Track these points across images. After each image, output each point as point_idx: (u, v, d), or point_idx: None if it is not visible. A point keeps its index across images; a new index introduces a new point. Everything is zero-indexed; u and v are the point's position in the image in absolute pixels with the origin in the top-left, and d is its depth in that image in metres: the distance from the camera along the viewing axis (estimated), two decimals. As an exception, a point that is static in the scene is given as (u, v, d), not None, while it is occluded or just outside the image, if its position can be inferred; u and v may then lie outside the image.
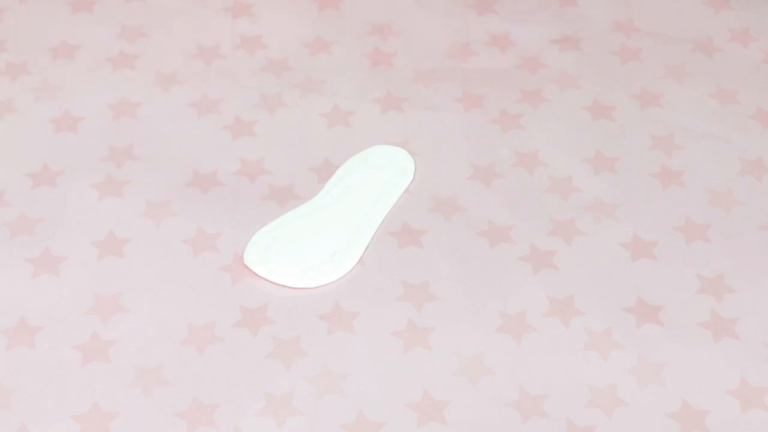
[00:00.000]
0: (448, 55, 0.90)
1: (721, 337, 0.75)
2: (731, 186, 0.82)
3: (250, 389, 0.72)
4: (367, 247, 0.78)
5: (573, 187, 0.82)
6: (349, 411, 0.71)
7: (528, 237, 0.79)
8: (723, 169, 0.83)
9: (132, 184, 0.81)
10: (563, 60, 0.89)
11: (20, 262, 0.77)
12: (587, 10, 0.92)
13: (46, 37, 0.88)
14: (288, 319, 0.75)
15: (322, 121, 0.85)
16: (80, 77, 0.84)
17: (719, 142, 0.85)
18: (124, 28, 0.91)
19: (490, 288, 0.77)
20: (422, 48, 0.90)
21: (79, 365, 0.73)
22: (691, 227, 0.80)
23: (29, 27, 0.89)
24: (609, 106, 0.86)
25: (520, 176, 0.82)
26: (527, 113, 0.86)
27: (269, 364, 0.73)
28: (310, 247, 0.78)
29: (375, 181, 0.81)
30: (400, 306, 0.76)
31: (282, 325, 0.75)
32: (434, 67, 0.89)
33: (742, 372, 0.73)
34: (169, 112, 0.85)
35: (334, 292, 0.76)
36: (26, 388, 0.72)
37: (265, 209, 0.79)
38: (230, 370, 0.73)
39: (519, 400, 0.72)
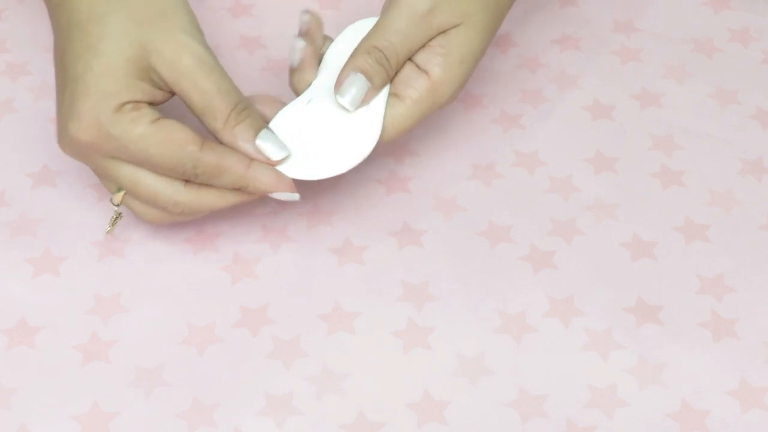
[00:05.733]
0: (448, 55, 0.90)
1: (721, 337, 0.75)
2: (731, 186, 0.82)
3: (250, 389, 0.72)
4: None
5: (573, 187, 0.82)
6: (349, 411, 0.71)
7: (528, 237, 0.79)
8: (723, 169, 0.83)
9: (132, 184, 0.81)
10: (563, 60, 0.89)
11: (20, 262, 0.77)
12: (587, 10, 0.92)
13: (46, 37, 0.88)
14: (288, 319, 0.75)
15: (322, 121, 0.85)
16: (80, 77, 0.84)
17: (719, 142, 0.85)
18: (124, 28, 0.91)
19: (490, 288, 0.77)
20: (422, 48, 0.90)
21: (79, 365, 0.73)
22: (691, 227, 0.80)
23: (29, 27, 0.89)
24: (609, 106, 0.86)
25: (520, 176, 0.82)
26: (527, 113, 0.86)
27: (269, 364, 0.73)
28: (320, 135, 0.74)
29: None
30: (400, 306, 0.76)
31: (282, 325, 0.75)
32: (434, 67, 0.89)
33: (742, 372, 0.73)
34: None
35: (334, 292, 0.76)
36: (26, 388, 0.72)
37: (266, 211, 0.79)
38: (230, 370, 0.73)
39: (519, 400, 0.72)
